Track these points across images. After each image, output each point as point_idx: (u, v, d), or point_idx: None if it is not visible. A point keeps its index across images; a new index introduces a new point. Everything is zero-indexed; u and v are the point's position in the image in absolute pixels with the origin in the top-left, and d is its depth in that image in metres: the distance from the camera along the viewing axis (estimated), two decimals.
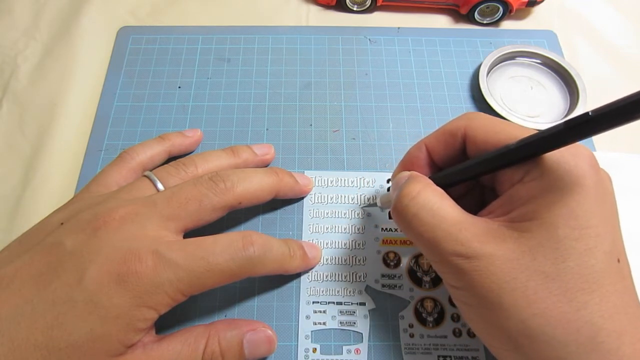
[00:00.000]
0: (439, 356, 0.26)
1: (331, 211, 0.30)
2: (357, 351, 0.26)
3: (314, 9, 0.40)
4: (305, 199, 0.31)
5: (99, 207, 0.23)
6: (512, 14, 0.38)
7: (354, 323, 0.27)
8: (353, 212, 0.30)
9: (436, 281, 0.28)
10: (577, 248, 0.18)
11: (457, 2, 0.39)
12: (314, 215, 0.30)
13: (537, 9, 0.40)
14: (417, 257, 0.29)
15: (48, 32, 0.38)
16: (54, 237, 0.22)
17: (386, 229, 0.29)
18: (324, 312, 0.27)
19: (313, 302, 0.27)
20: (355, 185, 0.31)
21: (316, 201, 0.31)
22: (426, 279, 0.28)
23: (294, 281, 0.28)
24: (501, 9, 0.38)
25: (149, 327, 0.21)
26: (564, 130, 0.17)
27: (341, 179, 0.31)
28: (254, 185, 0.26)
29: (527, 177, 0.20)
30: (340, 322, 0.27)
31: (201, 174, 0.27)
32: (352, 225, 0.30)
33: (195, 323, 0.26)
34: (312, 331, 0.26)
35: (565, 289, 0.18)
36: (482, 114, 0.23)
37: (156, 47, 0.37)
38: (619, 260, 0.18)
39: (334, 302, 0.27)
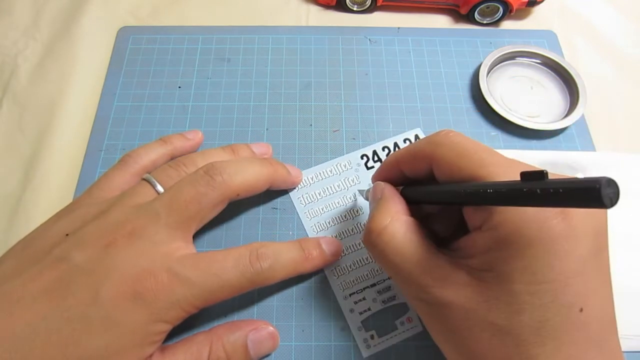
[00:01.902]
0: None
1: (325, 205, 0.30)
2: (408, 320, 0.27)
3: (314, 9, 0.40)
4: (296, 203, 0.31)
5: (104, 220, 0.23)
6: (512, 14, 0.38)
7: (394, 297, 0.27)
8: (345, 198, 0.31)
9: None
10: (532, 303, 0.17)
11: (457, 2, 0.39)
12: (312, 215, 0.30)
13: (537, 9, 0.40)
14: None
15: (48, 32, 0.38)
16: (62, 251, 0.22)
17: None
18: (364, 299, 0.27)
19: (350, 295, 0.28)
20: (335, 172, 0.32)
21: (307, 202, 0.31)
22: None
23: (295, 285, 0.28)
24: (501, 9, 0.38)
25: (162, 338, 0.22)
26: (513, 196, 0.16)
27: (320, 173, 0.32)
28: (251, 176, 0.26)
29: (484, 225, 0.19)
30: (382, 302, 0.27)
31: None
32: (350, 210, 0.30)
33: (196, 324, 0.26)
34: (361, 321, 0.27)
35: (518, 343, 0.18)
36: (451, 138, 0.21)
37: (156, 47, 0.37)
38: (581, 310, 0.17)
39: (368, 286, 0.28)
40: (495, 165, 0.19)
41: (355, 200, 0.31)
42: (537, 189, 0.14)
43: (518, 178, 0.16)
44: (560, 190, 0.14)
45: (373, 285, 0.28)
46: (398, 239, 0.21)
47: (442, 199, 0.21)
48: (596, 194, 0.12)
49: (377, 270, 0.28)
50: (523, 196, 0.15)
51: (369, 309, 0.27)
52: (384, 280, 0.28)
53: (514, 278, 0.18)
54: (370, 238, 0.22)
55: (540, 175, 0.15)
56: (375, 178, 0.27)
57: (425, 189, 0.22)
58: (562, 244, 0.17)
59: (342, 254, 0.29)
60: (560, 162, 0.31)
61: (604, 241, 0.19)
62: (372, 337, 0.26)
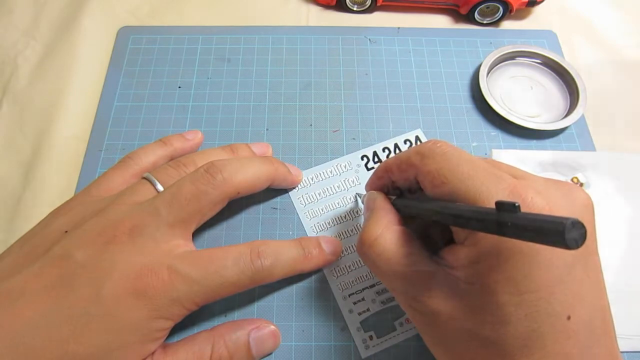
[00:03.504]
0: None
1: (325, 206, 0.30)
2: (407, 321, 0.27)
3: (314, 9, 0.40)
4: (295, 203, 0.31)
5: (105, 217, 0.23)
6: (512, 14, 0.38)
7: (393, 298, 0.27)
8: (345, 198, 0.31)
9: None
10: (517, 314, 0.17)
11: (457, 2, 0.39)
12: (312, 216, 0.30)
13: (537, 9, 0.40)
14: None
15: (48, 32, 0.38)
16: (62, 248, 0.22)
17: None
18: (363, 299, 0.27)
19: (349, 295, 0.28)
20: (335, 173, 0.32)
21: (307, 202, 0.31)
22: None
23: (295, 285, 0.28)
24: (501, 9, 0.38)
25: (164, 335, 0.22)
26: (488, 224, 0.16)
27: (320, 173, 0.32)
28: (251, 174, 0.26)
29: (467, 240, 0.19)
30: (382, 302, 0.27)
31: None
32: (350, 211, 0.30)
33: (197, 322, 0.26)
34: (360, 322, 0.27)
35: (505, 354, 0.18)
36: (437, 149, 0.21)
37: (156, 47, 0.37)
38: (569, 318, 0.17)
39: (367, 287, 0.28)
40: (473, 179, 0.19)
41: (356, 201, 0.31)
42: (509, 221, 0.15)
43: (496, 192, 0.17)
44: (528, 227, 0.14)
45: (372, 286, 0.28)
46: (388, 250, 0.21)
47: (427, 217, 0.21)
48: (560, 236, 0.13)
49: None
50: (494, 227, 0.16)
51: (368, 310, 0.27)
52: None
53: (498, 290, 0.18)
54: (362, 249, 0.22)
55: (512, 207, 0.15)
56: (369, 186, 0.27)
57: (412, 204, 0.22)
58: (544, 253, 0.17)
59: (342, 255, 0.29)
60: (560, 162, 0.31)
61: (592, 245, 0.19)
62: (371, 337, 0.26)
